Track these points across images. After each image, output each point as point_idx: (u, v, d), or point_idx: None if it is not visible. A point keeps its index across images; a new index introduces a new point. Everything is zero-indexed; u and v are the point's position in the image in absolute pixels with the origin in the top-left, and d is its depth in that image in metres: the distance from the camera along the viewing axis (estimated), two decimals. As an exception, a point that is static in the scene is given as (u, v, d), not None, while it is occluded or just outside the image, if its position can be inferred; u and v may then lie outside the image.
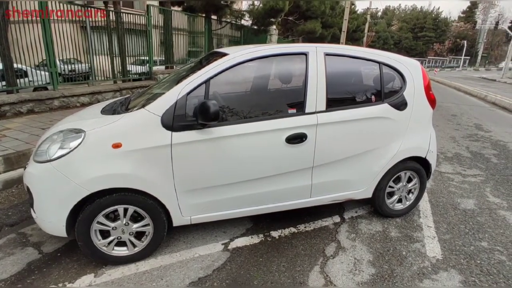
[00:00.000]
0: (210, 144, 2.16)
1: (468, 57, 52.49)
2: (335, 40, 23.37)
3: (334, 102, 2.49)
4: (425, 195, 3.48)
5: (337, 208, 3.14)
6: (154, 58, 9.05)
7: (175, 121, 2.08)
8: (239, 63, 2.26)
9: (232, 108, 2.32)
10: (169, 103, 2.08)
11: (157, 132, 2.06)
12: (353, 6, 30.59)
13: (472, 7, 62.61)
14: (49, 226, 2.10)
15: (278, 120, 2.31)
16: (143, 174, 2.07)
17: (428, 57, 54.75)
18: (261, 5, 12.69)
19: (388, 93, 2.69)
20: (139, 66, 8.93)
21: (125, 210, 2.12)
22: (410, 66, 2.79)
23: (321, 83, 2.42)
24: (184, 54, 10.83)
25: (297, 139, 2.35)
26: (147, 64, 9.00)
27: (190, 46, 11.14)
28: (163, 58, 10.18)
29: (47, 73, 6.34)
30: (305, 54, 2.43)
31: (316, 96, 2.40)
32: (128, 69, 8.51)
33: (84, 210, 2.03)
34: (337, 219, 2.98)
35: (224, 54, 2.35)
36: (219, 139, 2.17)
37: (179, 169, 2.14)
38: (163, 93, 2.17)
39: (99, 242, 2.14)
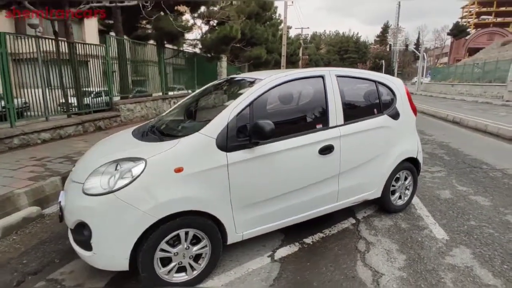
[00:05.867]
0: (260, 160, 2.34)
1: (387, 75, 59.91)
2: (277, 64, 24.82)
3: (348, 116, 2.88)
4: (412, 191, 4.02)
5: (347, 211, 3.47)
6: (105, 89, 8.65)
7: (229, 142, 2.23)
8: (274, 86, 2.53)
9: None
10: (221, 125, 2.23)
11: (213, 154, 2.18)
12: (286, 33, 33.12)
13: (384, 32, 72.84)
14: (109, 261, 2.03)
15: (312, 134, 2.61)
16: (204, 195, 2.15)
17: (354, 76, 61.05)
18: (209, 35, 13.12)
19: (385, 106, 3.19)
20: (96, 98, 8.49)
21: (186, 233, 2.16)
22: (396, 83, 3.37)
23: (338, 100, 2.80)
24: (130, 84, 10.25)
25: (326, 150, 2.66)
26: (107, 96, 8.63)
27: (135, 76, 10.50)
28: (118, 88, 9.77)
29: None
30: (322, 76, 2.80)
31: (335, 112, 2.76)
32: (85, 102, 8.02)
33: (149, 238, 2.02)
34: (352, 220, 3.31)
35: (252, 80, 2.61)
36: (268, 155, 2.37)
37: (235, 187, 2.26)
38: (213, 117, 2.29)
39: (161, 271, 2.12)
